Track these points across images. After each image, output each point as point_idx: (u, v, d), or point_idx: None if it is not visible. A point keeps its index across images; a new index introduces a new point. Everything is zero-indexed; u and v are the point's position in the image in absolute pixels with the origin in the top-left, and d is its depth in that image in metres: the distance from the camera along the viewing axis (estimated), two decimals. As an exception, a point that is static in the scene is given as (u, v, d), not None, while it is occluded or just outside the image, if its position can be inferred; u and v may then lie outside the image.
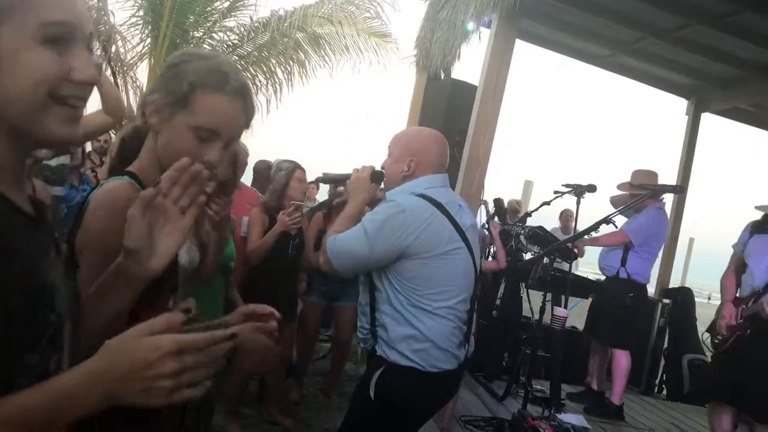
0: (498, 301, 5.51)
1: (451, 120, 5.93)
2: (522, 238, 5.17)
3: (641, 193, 4.84)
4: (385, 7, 9.66)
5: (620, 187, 5.43)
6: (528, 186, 13.56)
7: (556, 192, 5.12)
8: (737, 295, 4.17)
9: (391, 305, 2.40)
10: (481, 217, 5.48)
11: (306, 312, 4.97)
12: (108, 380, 0.85)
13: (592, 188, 4.77)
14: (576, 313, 7.18)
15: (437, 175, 2.57)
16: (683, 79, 7.01)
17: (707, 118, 7.35)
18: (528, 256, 5.43)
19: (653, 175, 5.35)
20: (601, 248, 5.45)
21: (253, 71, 9.87)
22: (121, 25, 9.22)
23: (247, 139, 3.20)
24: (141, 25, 9.53)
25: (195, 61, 1.38)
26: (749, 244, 4.19)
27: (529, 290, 5.22)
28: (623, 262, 5.08)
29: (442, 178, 2.59)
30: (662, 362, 6.59)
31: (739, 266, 4.27)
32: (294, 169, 4.20)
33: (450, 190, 2.64)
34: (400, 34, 10.13)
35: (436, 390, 2.49)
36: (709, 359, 4.41)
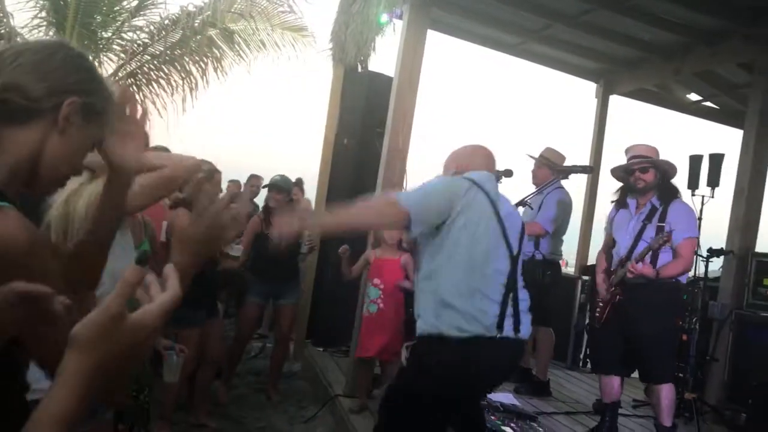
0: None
1: (370, 112, 6.00)
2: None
3: (563, 170, 5.06)
4: (298, 0, 9.60)
5: (540, 163, 5.49)
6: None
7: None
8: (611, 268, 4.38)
9: None
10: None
11: (245, 311, 4.95)
12: (101, 376, 0.82)
13: (508, 173, 4.85)
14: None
15: (482, 171, 2.86)
16: (591, 64, 7.28)
17: (615, 100, 7.65)
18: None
19: (561, 155, 5.50)
20: None
21: (167, 70, 9.64)
22: (22, 28, 8.84)
23: (165, 140, 3.15)
24: (45, 27, 9.15)
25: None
26: (614, 221, 4.43)
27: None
28: (536, 246, 5.23)
29: (487, 174, 2.87)
30: (585, 337, 6.84)
31: (609, 245, 4.49)
32: (213, 172, 4.16)
33: (494, 182, 2.94)
34: (316, 27, 10.10)
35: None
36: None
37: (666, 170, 4.26)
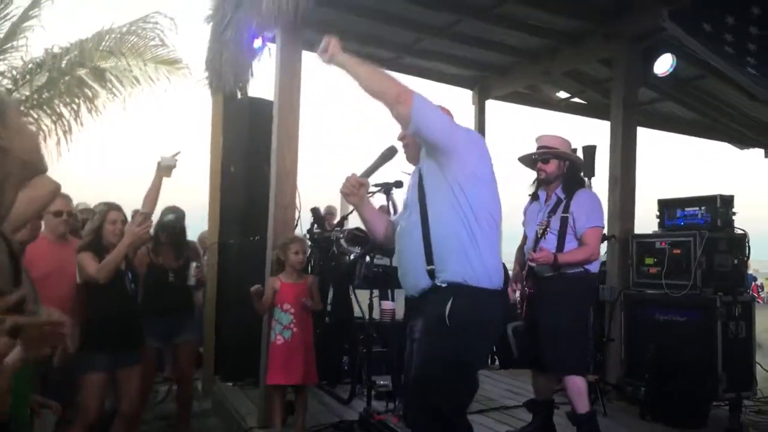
0: (329, 307, 5.58)
1: (254, 137, 5.94)
2: (342, 241, 5.28)
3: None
4: (170, 33, 9.42)
5: None
6: (344, 192, 13.82)
7: (367, 192, 5.27)
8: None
9: None
10: (302, 228, 5.53)
11: (143, 355, 4.74)
12: None
13: (399, 184, 4.97)
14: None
15: None
16: (465, 72, 7.55)
17: (491, 105, 7.95)
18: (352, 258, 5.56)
19: None
20: None
21: (36, 115, 9.20)
22: None
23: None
24: None
25: None
26: (526, 214, 4.48)
27: (357, 290, 5.34)
28: None
29: None
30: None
31: (524, 240, 4.51)
32: (106, 211, 4.03)
33: None
34: (191, 57, 9.93)
35: None
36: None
37: (572, 161, 4.29)
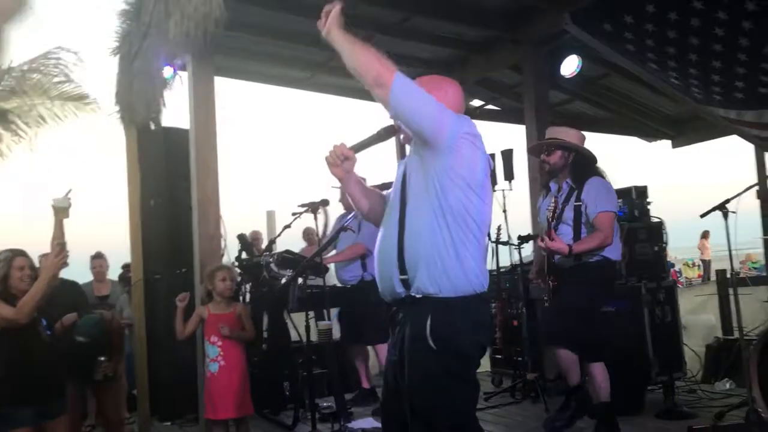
0: (265, 333, 5.48)
1: (174, 168, 5.81)
2: (272, 265, 5.20)
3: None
4: (75, 68, 9.13)
5: None
6: (270, 216, 13.63)
7: (294, 214, 5.22)
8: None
9: None
10: (230, 256, 5.43)
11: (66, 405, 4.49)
12: None
13: (325, 203, 4.95)
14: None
15: None
16: (380, 87, 7.58)
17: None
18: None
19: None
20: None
21: (-65, 164, 8.75)
22: None
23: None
24: None
25: None
26: (540, 208, 4.37)
27: (292, 314, 5.27)
28: (364, 268, 5.30)
29: None
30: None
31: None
32: (12, 258, 3.82)
33: None
34: (99, 92, 9.64)
35: None
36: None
37: (578, 151, 4.23)
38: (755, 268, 17.10)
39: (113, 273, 7.08)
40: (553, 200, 4.04)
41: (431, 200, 2.32)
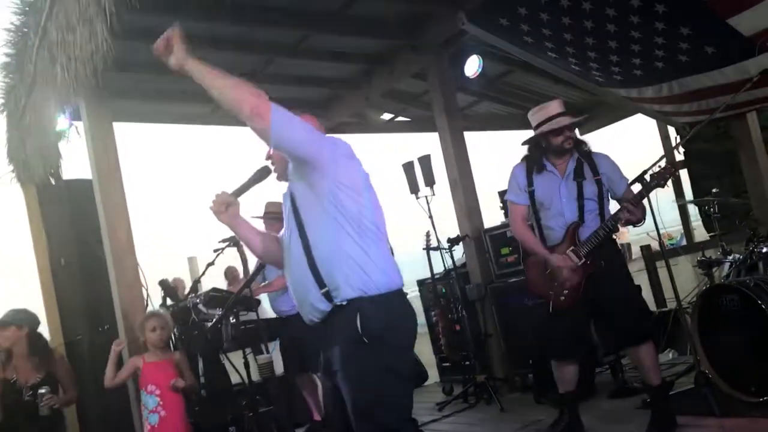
0: (202, 379, 5.22)
1: (81, 221, 5.52)
2: (200, 306, 4.97)
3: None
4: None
5: None
6: (192, 261, 13.23)
7: (215, 250, 5.03)
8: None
9: None
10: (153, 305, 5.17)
11: None
12: None
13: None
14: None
15: None
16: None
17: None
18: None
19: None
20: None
21: None
22: None
23: None
24: None
25: None
26: (537, 186, 3.93)
27: (228, 353, 5.05)
28: None
29: None
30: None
31: (524, 216, 3.99)
32: None
33: None
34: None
35: None
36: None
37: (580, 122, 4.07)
38: (672, 245, 17.77)
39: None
40: (574, 183, 3.78)
41: (329, 212, 2.42)
